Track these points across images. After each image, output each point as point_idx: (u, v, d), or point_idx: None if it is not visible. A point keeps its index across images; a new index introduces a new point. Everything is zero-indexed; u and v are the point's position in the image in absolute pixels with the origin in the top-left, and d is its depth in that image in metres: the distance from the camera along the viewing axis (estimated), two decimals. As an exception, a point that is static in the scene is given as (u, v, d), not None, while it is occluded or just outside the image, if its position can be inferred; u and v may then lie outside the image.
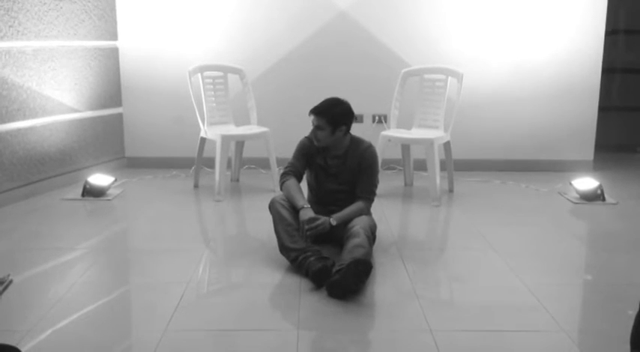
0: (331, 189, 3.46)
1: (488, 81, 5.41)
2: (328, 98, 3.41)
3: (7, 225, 3.93)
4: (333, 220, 3.21)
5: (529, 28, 5.35)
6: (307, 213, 3.18)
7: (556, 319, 2.65)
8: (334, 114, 3.31)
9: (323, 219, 3.17)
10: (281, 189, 3.38)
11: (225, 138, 4.59)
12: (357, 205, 3.32)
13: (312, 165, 3.47)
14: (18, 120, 4.40)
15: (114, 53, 5.33)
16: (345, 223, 3.23)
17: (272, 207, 3.30)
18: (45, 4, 4.56)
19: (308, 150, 3.44)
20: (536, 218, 4.21)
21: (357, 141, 3.43)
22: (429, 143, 4.46)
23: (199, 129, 4.81)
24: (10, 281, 1.61)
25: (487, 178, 5.26)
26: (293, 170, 3.41)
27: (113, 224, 4.11)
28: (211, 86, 4.89)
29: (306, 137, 3.49)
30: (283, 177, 3.40)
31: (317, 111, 3.33)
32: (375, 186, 3.43)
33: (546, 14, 5.33)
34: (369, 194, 3.39)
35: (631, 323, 2.01)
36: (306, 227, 3.13)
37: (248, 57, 5.32)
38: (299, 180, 3.42)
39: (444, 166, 4.77)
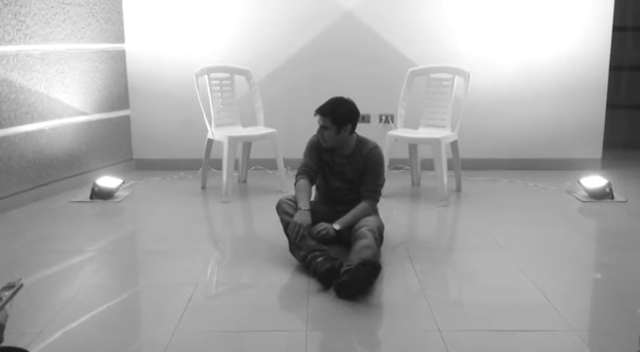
0: (337, 186, 3.47)
1: (495, 79, 5.40)
2: (332, 98, 3.42)
3: (16, 228, 3.95)
4: (337, 225, 3.21)
5: (536, 27, 5.33)
6: (302, 215, 3.18)
7: (565, 318, 2.63)
8: (338, 113, 3.31)
9: (325, 225, 3.18)
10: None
11: (233, 140, 4.60)
12: (361, 207, 3.32)
13: (321, 163, 3.48)
14: (26, 123, 4.43)
15: (121, 56, 5.35)
16: (352, 225, 3.23)
17: (279, 209, 3.33)
18: (52, 7, 4.58)
19: (318, 146, 3.45)
20: (544, 217, 4.19)
21: (363, 142, 3.44)
22: (436, 142, 4.45)
23: (206, 130, 4.82)
24: (21, 286, 1.61)
25: (495, 177, 5.24)
26: (306, 170, 3.42)
27: (121, 226, 4.12)
28: (218, 88, 4.90)
29: (314, 135, 3.50)
30: (296, 177, 3.42)
31: (321, 111, 3.34)
32: (381, 186, 3.44)
33: (553, 12, 5.31)
34: (373, 193, 3.40)
35: (641, 321, 2.00)
36: (308, 234, 3.14)
37: (254, 58, 5.33)
38: (313, 178, 3.43)
39: (451, 165, 4.76)
